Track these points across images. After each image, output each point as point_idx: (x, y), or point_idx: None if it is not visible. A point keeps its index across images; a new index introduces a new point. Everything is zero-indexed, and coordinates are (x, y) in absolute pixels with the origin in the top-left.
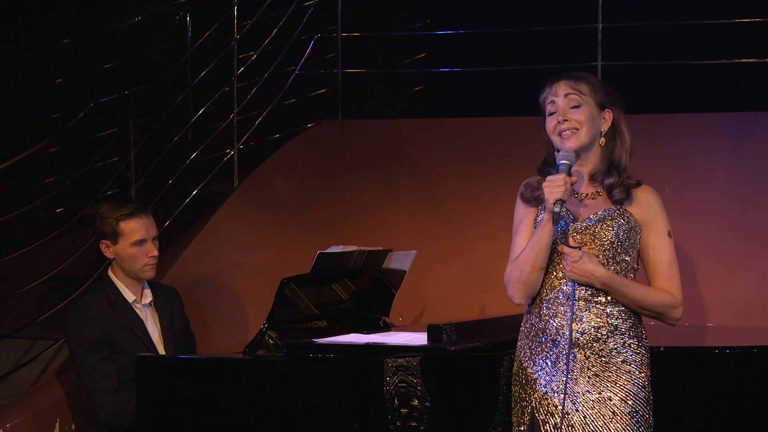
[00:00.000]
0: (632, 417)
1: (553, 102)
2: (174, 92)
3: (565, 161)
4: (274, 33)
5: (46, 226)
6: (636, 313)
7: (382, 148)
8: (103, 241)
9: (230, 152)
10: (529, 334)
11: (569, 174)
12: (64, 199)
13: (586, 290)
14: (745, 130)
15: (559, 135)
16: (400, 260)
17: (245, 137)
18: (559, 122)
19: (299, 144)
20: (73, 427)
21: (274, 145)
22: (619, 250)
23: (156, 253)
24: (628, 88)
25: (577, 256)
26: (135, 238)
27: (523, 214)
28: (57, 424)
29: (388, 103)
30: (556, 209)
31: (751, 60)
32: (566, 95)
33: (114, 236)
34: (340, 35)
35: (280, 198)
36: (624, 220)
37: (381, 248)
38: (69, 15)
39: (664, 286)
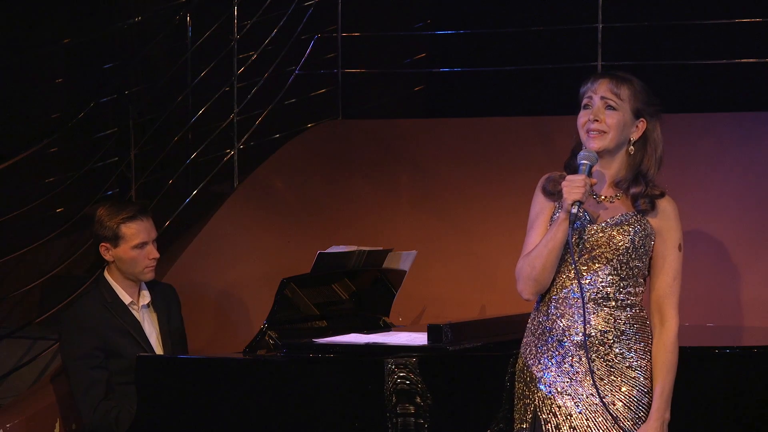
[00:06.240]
0: (635, 423)
1: (590, 97)
2: (174, 92)
3: (585, 161)
4: (274, 33)
5: (46, 226)
6: (643, 318)
7: (382, 148)
8: (102, 243)
9: (230, 152)
10: (536, 332)
11: (589, 174)
12: (64, 199)
13: (596, 293)
14: (745, 130)
15: (587, 132)
16: (400, 260)
17: (245, 137)
18: (589, 120)
19: (299, 144)
20: (73, 427)
21: (274, 145)
22: (633, 256)
23: (157, 255)
24: None
25: None
26: (136, 241)
27: (541, 207)
28: (57, 424)
29: (388, 103)
30: (574, 210)
31: (751, 60)
32: (603, 97)
33: (115, 239)
34: (340, 35)
35: (280, 198)
36: (641, 226)
37: (381, 248)
38: (69, 15)
39: (661, 300)
